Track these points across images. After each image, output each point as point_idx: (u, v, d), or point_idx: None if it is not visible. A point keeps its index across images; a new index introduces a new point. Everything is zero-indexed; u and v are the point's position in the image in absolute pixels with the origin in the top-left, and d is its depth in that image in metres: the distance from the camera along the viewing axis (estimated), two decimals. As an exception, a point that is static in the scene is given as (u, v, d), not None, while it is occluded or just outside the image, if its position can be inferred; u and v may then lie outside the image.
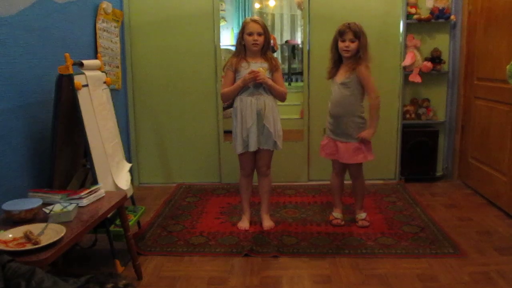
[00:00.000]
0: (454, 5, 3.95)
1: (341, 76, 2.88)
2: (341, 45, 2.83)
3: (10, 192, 2.19)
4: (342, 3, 3.86)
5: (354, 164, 2.95)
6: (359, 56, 2.82)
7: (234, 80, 2.89)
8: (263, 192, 3.06)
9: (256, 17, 3.42)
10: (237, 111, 2.88)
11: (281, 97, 2.93)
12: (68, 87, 2.36)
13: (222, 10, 6.40)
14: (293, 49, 7.03)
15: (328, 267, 2.51)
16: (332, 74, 2.95)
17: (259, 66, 2.84)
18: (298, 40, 7.21)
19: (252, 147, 2.87)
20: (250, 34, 2.81)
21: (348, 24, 2.82)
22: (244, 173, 3.03)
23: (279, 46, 6.82)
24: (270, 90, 2.86)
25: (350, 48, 2.80)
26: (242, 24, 2.86)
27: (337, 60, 2.92)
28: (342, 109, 2.88)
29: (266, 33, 2.83)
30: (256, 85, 2.83)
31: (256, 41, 2.80)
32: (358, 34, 2.80)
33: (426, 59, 3.95)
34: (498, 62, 3.27)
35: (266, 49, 2.88)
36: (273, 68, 2.88)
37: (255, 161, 2.98)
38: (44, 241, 1.66)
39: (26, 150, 2.39)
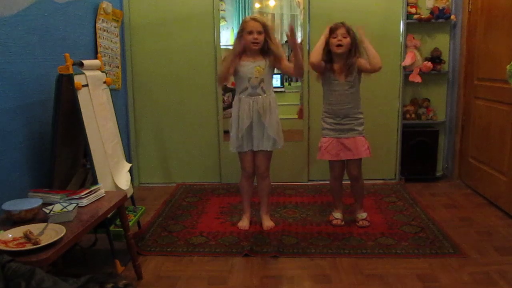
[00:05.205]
0: (454, 5, 3.95)
1: (342, 75, 2.87)
2: (333, 41, 2.82)
3: (10, 192, 2.19)
4: (342, 3, 3.86)
5: (356, 163, 2.96)
6: (354, 51, 2.82)
7: (233, 75, 2.87)
8: (262, 194, 3.06)
9: (256, 15, 3.36)
10: (235, 111, 2.89)
11: (301, 67, 2.84)
12: (68, 87, 2.36)
13: (222, 10, 6.39)
14: (293, 49, 7.03)
15: (328, 267, 2.51)
16: (326, 73, 2.90)
17: (257, 65, 2.83)
18: (298, 40, 7.20)
19: (245, 148, 2.89)
20: (250, 32, 2.78)
21: (340, 22, 2.84)
22: (245, 174, 3.03)
23: (279, 46, 6.82)
24: (295, 56, 2.79)
25: (342, 42, 2.80)
26: (242, 23, 2.84)
27: (327, 60, 2.87)
28: (350, 106, 2.89)
29: (266, 31, 2.80)
30: (254, 86, 2.83)
31: (256, 39, 2.78)
32: (350, 31, 2.81)
33: (426, 59, 3.95)
34: (498, 62, 3.27)
35: (267, 48, 2.83)
36: (276, 62, 2.85)
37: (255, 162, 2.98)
38: (44, 241, 1.66)
39: (26, 150, 2.39)
